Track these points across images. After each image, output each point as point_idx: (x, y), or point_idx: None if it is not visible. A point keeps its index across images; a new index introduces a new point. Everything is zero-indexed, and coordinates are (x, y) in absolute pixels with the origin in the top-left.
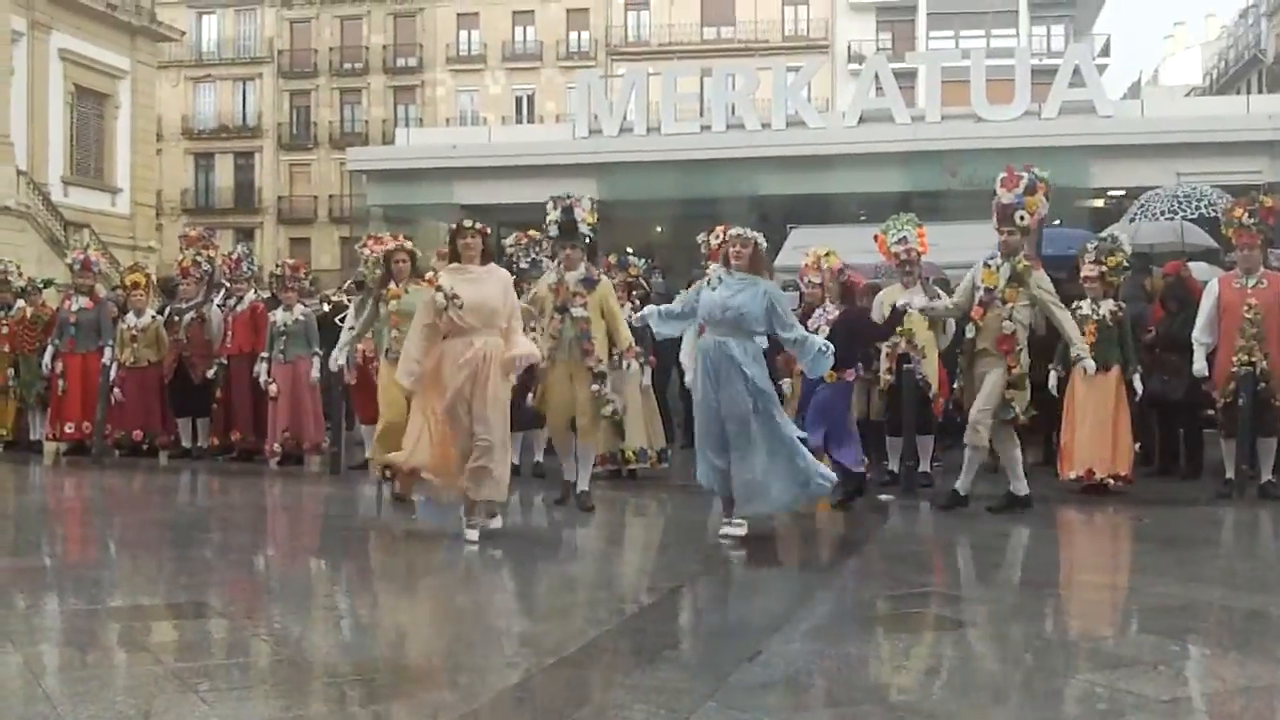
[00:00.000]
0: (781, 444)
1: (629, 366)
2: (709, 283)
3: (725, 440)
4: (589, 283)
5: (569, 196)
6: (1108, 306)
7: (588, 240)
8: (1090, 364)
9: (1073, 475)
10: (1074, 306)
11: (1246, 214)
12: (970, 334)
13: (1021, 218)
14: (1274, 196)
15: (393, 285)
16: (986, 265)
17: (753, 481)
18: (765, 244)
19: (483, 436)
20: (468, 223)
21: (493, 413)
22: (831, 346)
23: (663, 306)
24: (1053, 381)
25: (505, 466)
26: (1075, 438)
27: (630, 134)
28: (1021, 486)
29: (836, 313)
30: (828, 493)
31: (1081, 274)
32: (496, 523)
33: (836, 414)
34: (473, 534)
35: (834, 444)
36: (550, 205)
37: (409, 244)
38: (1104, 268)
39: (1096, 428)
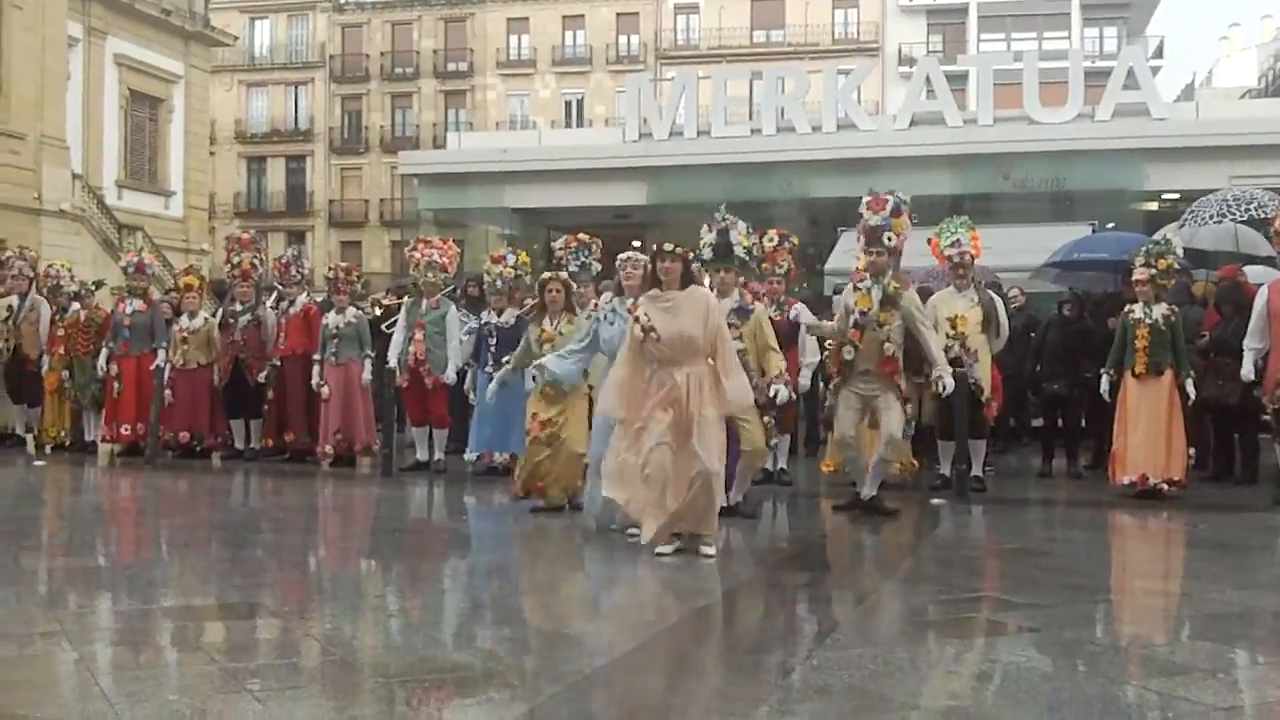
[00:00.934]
0: None
1: (778, 394)
2: (605, 317)
3: None
4: (743, 312)
5: (725, 219)
6: (1160, 310)
7: (743, 264)
8: (949, 381)
9: (1126, 480)
10: (1126, 310)
11: None
12: (849, 356)
13: (889, 238)
14: None
15: (546, 326)
16: (857, 288)
17: None
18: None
19: (699, 469)
20: (668, 246)
21: (703, 446)
22: None
23: (561, 352)
24: (1104, 386)
25: (719, 497)
26: (1128, 443)
27: (680, 137)
28: (871, 491)
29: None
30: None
31: (1133, 277)
32: (710, 549)
33: None
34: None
35: None
36: (705, 229)
37: (563, 275)
38: (1154, 271)
39: (1150, 433)
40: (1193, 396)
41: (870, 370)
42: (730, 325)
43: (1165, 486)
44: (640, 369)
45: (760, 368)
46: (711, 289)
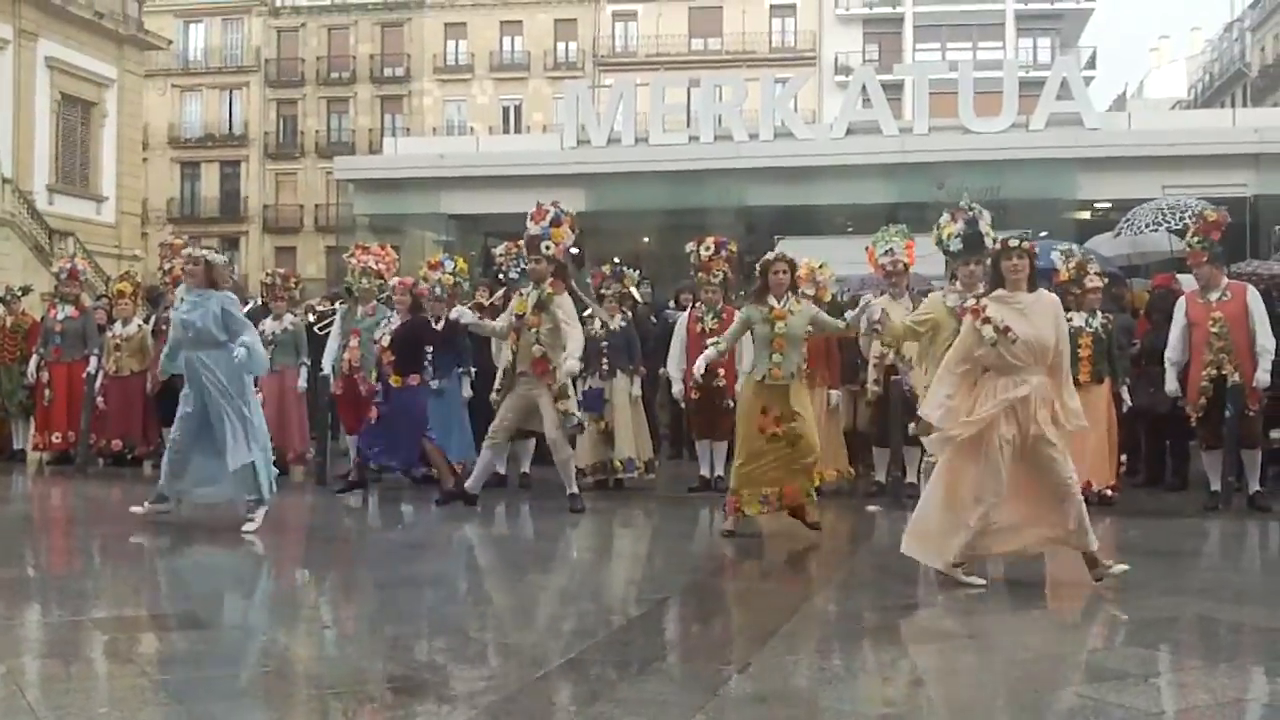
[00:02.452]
0: (252, 445)
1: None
2: (177, 305)
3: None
4: None
5: (971, 207)
6: (1099, 319)
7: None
8: (566, 369)
9: None
10: (1066, 318)
11: (1193, 235)
12: (509, 358)
13: (547, 248)
14: (1218, 210)
15: (774, 305)
16: (520, 294)
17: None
18: (222, 259)
19: (1061, 482)
20: (1014, 241)
21: (1062, 456)
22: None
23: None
24: None
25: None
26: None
27: (618, 144)
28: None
29: (399, 322)
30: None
31: (1086, 286)
32: (1114, 568)
33: (409, 418)
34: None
35: (390, 448)
36: (947, 218)
37: (788, 255)
38: (1104, 280)
39: (1093, 440)
40: (1129, 403)
41: (526, 372)
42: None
43: (1099, 493)
44: (973, 374)
45: None
46: (955, 282)
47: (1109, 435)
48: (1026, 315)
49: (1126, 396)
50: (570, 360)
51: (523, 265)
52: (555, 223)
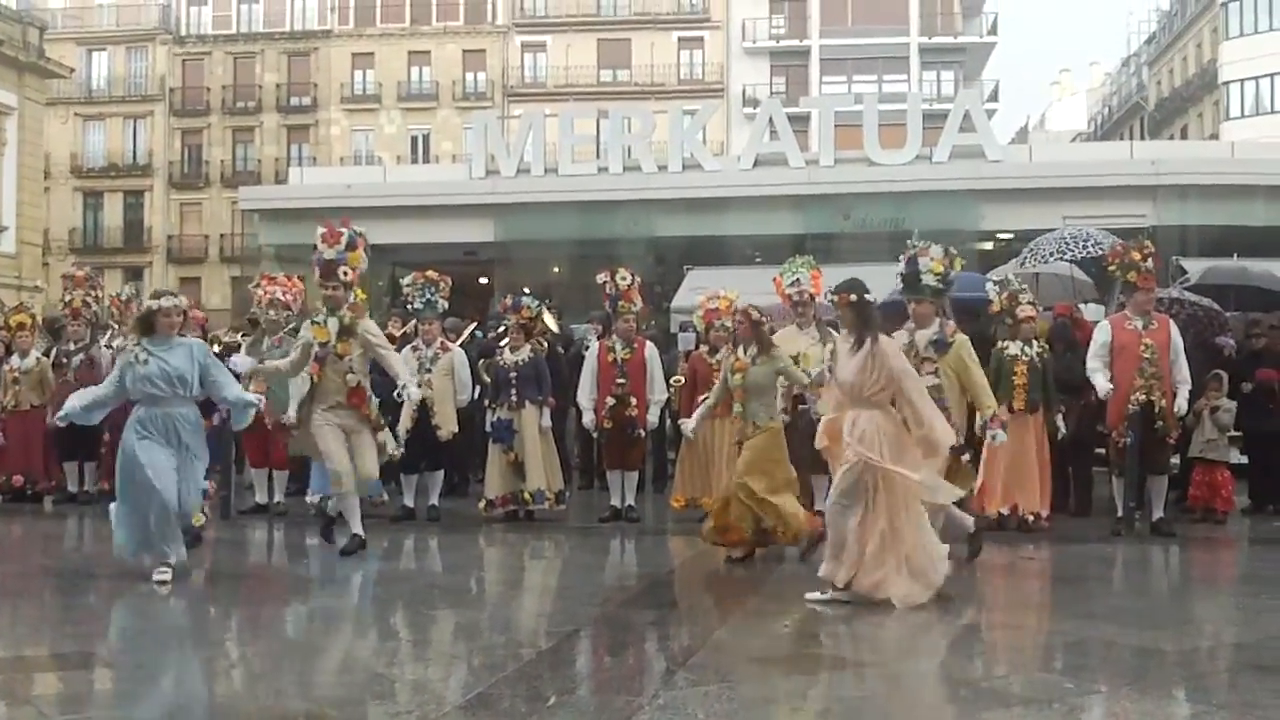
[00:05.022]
0: None
1: (994, 438)
2: (135, 359)
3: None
4: (940, 345)
5: (915, 245)
6: (1035, 348)
7: (936, 292)
8: (414, 392)
9: (997, 512)
10: (1001, 347)
11: (1143, 258)
12: (308, 386)
13: (345, 273)
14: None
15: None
16: (314, 322)
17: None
18: None
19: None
20: (841, 288)
21: (891, 497)
22: None
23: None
24: (979, 422)
25: (894, 564)
26: (999, 476)
27: (527, 175)
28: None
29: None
30: None
31: (1019, 315)
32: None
33: None
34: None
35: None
36: (902, 258)
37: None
38: (1039, 308)
39: (1023, 466)
40: (1063, 432)
41: (341, 403)
42: (926, 359)
43: (1031, 518)
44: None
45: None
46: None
47: (1040, 463)
48: (847, 355)
49: (1061, 425)
50: (411, 386)
51: (429, 296)
52: (351, 246)
